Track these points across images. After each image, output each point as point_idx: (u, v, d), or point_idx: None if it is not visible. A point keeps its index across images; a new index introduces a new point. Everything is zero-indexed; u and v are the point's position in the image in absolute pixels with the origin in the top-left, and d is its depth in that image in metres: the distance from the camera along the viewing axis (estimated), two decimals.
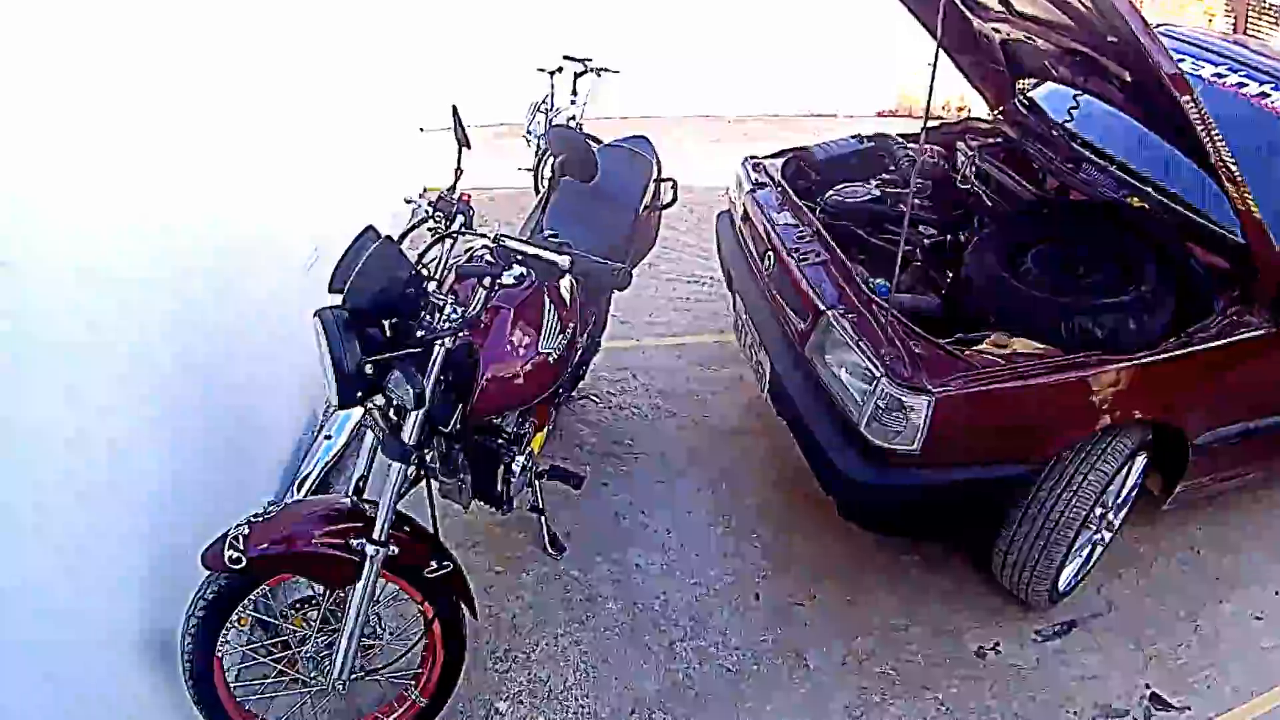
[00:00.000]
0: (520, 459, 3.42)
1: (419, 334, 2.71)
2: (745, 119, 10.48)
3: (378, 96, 6.58)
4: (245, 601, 2.80)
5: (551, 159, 2.95)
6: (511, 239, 2.82)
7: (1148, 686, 3.61)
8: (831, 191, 4.68)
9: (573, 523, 4.29)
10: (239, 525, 2.70)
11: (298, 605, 3.03)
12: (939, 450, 3.24)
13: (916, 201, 4.70)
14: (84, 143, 2.64)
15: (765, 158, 4.95)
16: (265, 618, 3.01)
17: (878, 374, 3.21)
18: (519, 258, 2.78)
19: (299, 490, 4.03)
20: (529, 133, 7.44)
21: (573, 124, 7.33)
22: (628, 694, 3.54)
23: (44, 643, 2.33)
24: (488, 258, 2.83)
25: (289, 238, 4.39)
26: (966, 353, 3.32)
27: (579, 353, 4.07)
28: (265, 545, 2.65)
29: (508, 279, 2.80)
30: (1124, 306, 3.41)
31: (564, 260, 2.74)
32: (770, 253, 4.11)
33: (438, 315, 2.75)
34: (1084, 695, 3.58)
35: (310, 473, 4.13)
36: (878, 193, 4.64)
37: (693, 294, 6.39)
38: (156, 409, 2.98)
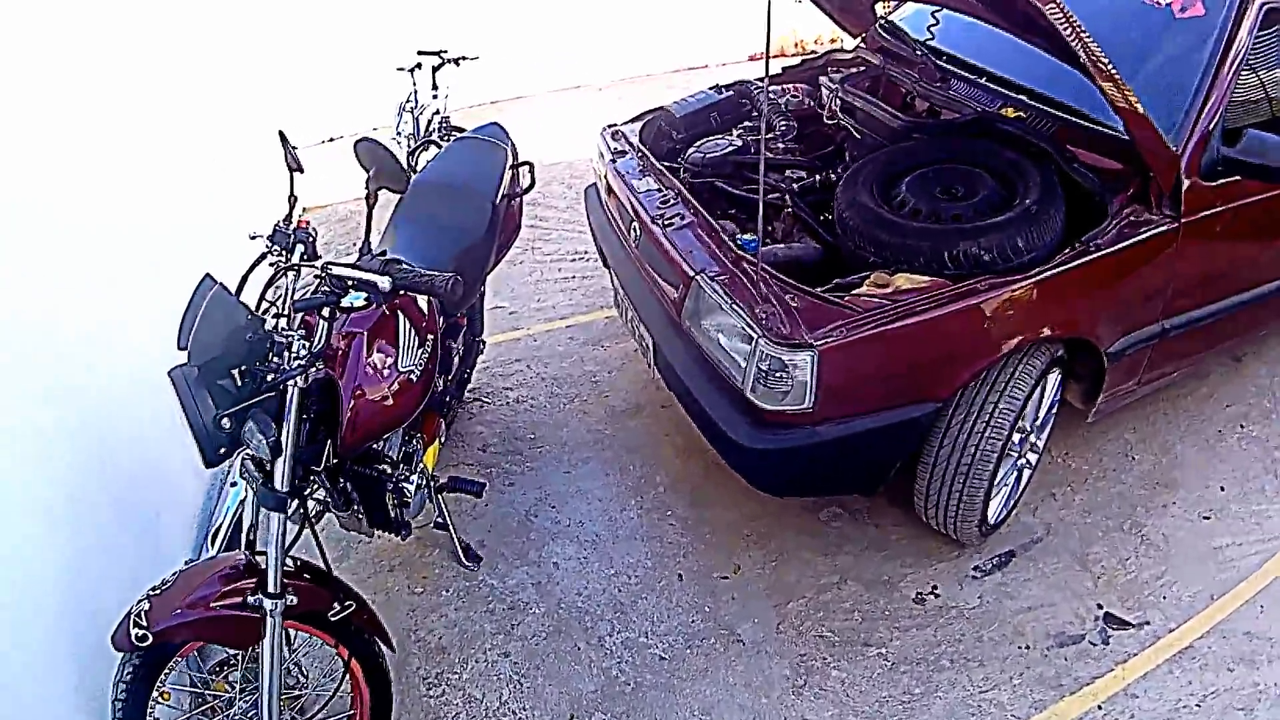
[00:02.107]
0: (414, 478, 3.33)
1: (269, 378, 2.59)
2: (617, 83, 10.30)
3: (232, 113, 6.36)
4: (163, 675, 2.70)
5: (365, 174, 2.80)
6: (337, 265, 2.71)
7: (1100, 607, 3.60)
8: (692, 148, 4.56)
9: (484, 529, 4.19)
10: (140, 601, 2.60)
11: (218, 668, 2.95)
12: (833, 404, 3.15)
13: (782, 146, 4.61)
14: None
15: (624, 124, 4.83)
16: (187, 688, 2.94)
17: (755, 335, 3.11)
18: (350, 283, 2.66)
19: (212, 543, 3.87)
20: (398, 134, 7.35)
21: (438, 118, 7.29)
22: (564, 699, 3.46)
23: None
24: (323, 287, 2.71)
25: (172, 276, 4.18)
26: (846, 298, 3.21)
27: (456, 357, 3.96)
28: (166, 618, 2.56)
29: (348, 303, 2.69)
30: (1009, 224, 3.31)
31: (384, 281, 2.62)
32: (635, 223, 4.00)
33: (287, 355, 2.63)
34: (1034, 626, 3.56)
35: (221, 523, 3.99)
36: (739, 143, 4.52)
37: (577, 271, 6.27)
38: (48, 490, 2.88)
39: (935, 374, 3.25)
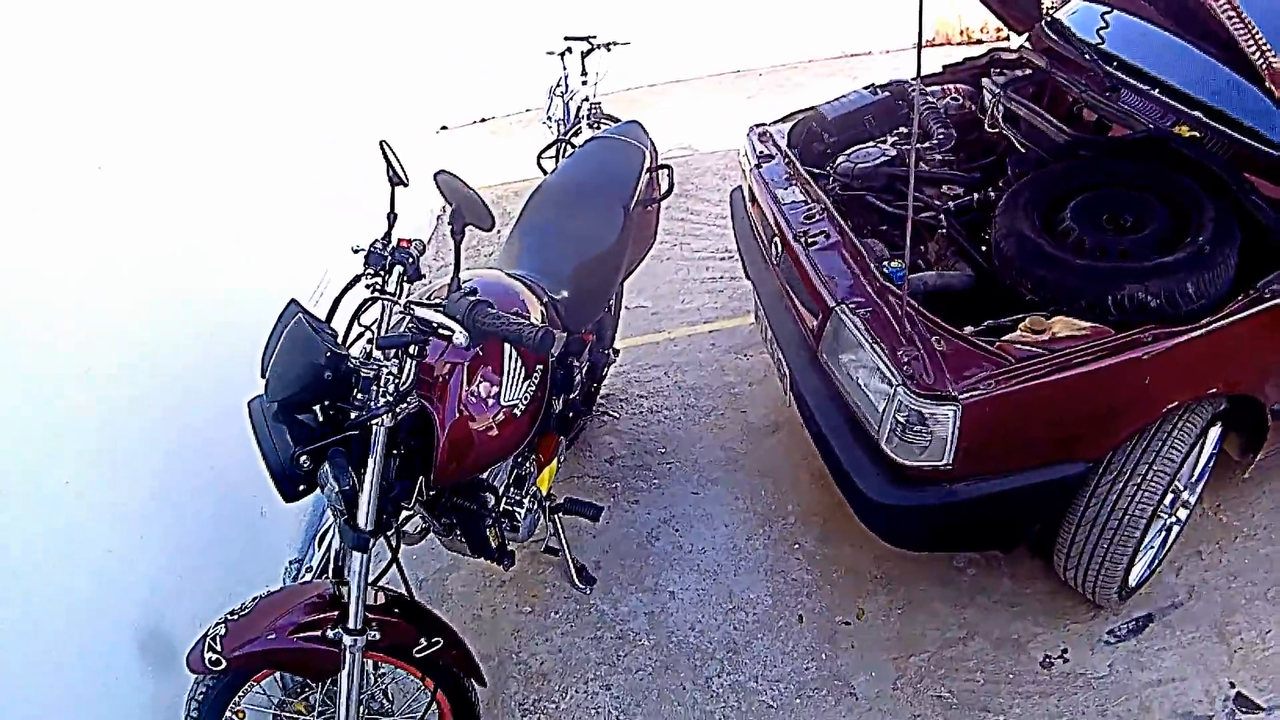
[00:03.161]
0: (525, 502, 3.22)
1: (353, 415, 2.46)
2: (778, 68, 9.92)
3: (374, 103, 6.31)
4: (237, 699, 2.66)
5: (447, 208, 2.61)
6: (420, 305, 2.54)
7: (1232, 685, 3.25)
8: (842, 156, 4.24)
9: (602, 549, 4.06)
10: (216, 624, 2.54)
11: (298, 689, 2.91)
12: (974, 462, 2.89)
13: (939, 157, 4.25)
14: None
15: (772, 123, 4.53)
16: (264, 708, 2.87)
17: (895, 382, 2.85)
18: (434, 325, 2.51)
19: (319, 545, 3.81)
20: (548, 118, 7.28)
21: (588, 104, 7.17)
22: None
23: None
24: (408, 322, 2.54)
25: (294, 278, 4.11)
26: (997, 344, 2.91)
27: (579, 374, 3.79)
28: (241, 645, 2.50)
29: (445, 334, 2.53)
30: (1179, 266, 2.95)
31: (461, 336, 2.45)
32: (777, 239, 3.75)
33: (375, 389, 2.48)
34: (1162, 703, 3.24)
35: (332, 538, 3.93)
36: (893, 152, 4.17)
37: (726, 271, 6.01)
38: (149, 482, 2.87)
39: (1088, 433, 2.95)
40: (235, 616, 2.56)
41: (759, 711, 3.37)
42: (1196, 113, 3.58)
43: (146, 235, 3.07)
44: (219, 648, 2.46)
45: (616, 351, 4.45)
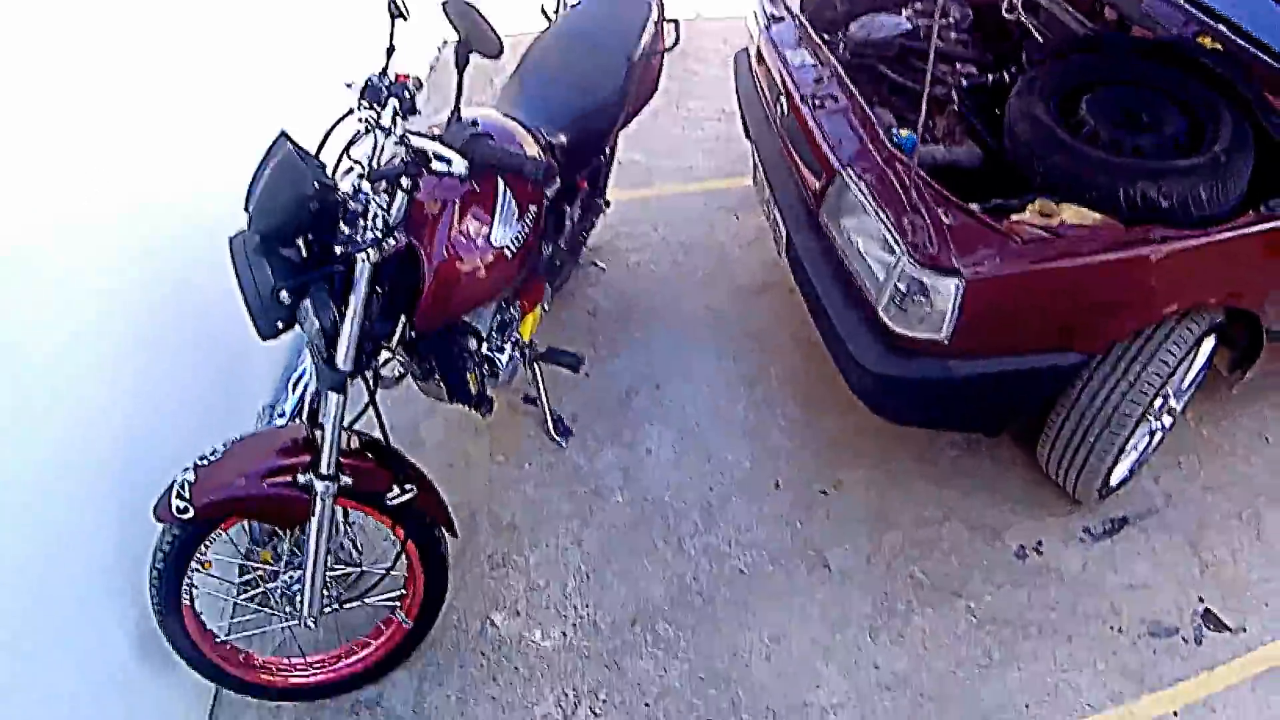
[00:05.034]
0: (506, 349, 3.15)
1: (337, 250, 2.36)
2: None
3: None
4: (203, 548, 2.59)
5: (457, 35, 2.48)
6: (417, 134, 2.43)
7: (1201, 600, 3.26)
8: (855, 24, 4.11)
9: (580, 402, 3.99)
10: (185, 471, 2.46)
11: (265, 538, 2.81)
12: (972, 339, 2.83)
13: (954, 35, 4.12)
14: None
15: None
16: (231, 557, 2.81)
17: (898, 250, 2.78)
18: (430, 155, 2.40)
19: (293, 390, 3.72)
20: None
21: None
22: (631, 600, 3.29)
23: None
24: (404, 155, 2.42)
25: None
26: (1005, 223, 2.83)
27: (569, 221, 3.69)
28: (210, 493, 2.43)
29: (439, 167, 2.42)
30: (1195, 171, 2.86)
31: (460, 165, 2.36)
32: (783, 99, 3.62)
33: (361, 223, 2.37)
34: (1131, 607, 3.24)
35: (308, 380, 3.84)
36: (909, 25, 4.05)
37: (722, 133, 5.82)
38: (120, 322, 2.71)
39: (1087, 325, 2.91)
40: (205, 462, 2.49)
41: (730, 576, 3.35)
42: (1222, 27, 3.46)
43: (132, 70, 2.90)
44: (187, 495, 2.40)
45: (608, 202, 4.31)
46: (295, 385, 3.51)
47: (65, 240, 2.43)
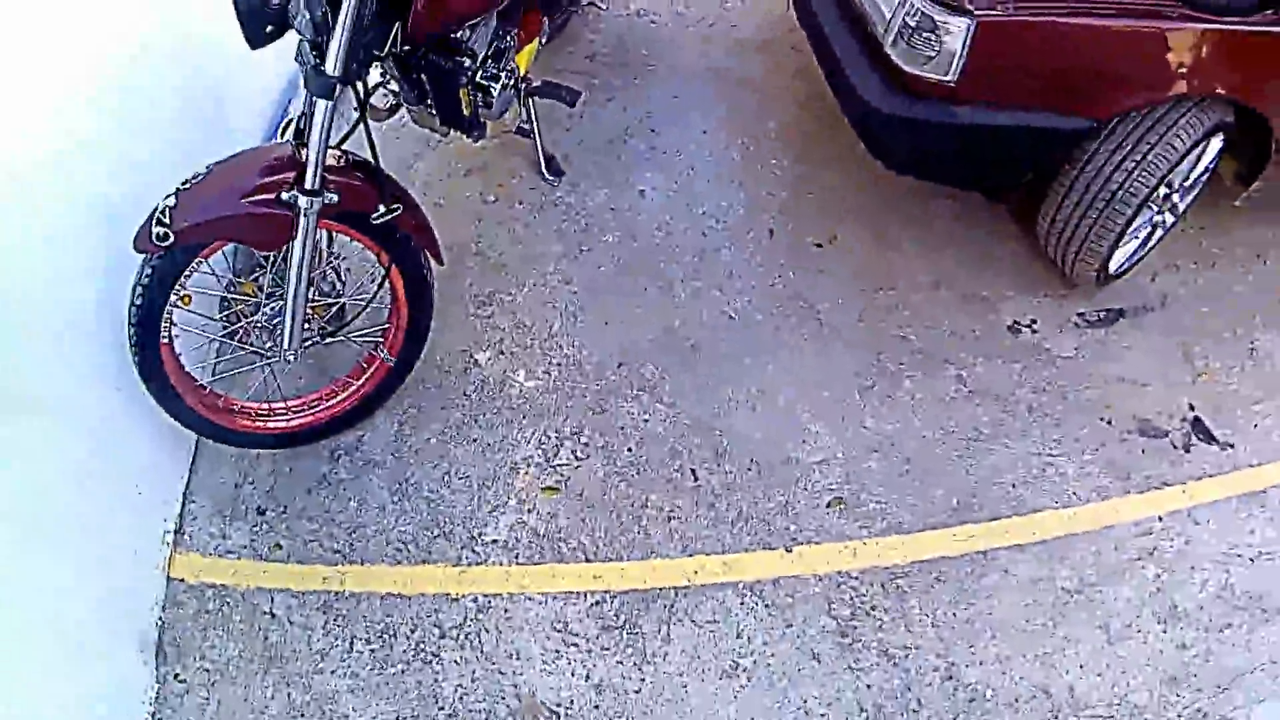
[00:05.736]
0: (501, 76, 3.01)
1: None
2: None
3: None
4: (184, 279, 2.51)
5: None
6: None
7: (1192, 408, 3.23)
8: None
9: (574, 143, 3.90)
10: (166, 196, 2.38)
11: (248, 270, 2.74)
12: (979, 85, 2.77)
13: None
14: None
15: None
16: (211, 290, 2.74)
17: None
18: None
19: (282, 134, 3.61)
20: None
21: None
22: (617, 343, 3.28)
23: None
24: None
25: None
26: None
27: None
28: (191, 215, 2.35)
29: None
30: None
31: None
32: None
33: None
34: (1122, 402, 3.23)
35: (300, 111, 3.73)
36: None
37: None
38: (94, 67, 2.56)
39: (1097, 89, 2.84)
40: (187, 186, 2.40)
41: (718, 323, 3.34)
42: None
43: None
44: (168, 220, 2.32)
45: None
46: (285, 130, 3.41)
47: None
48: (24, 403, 2.23)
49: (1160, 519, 2.96)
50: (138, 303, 2.45)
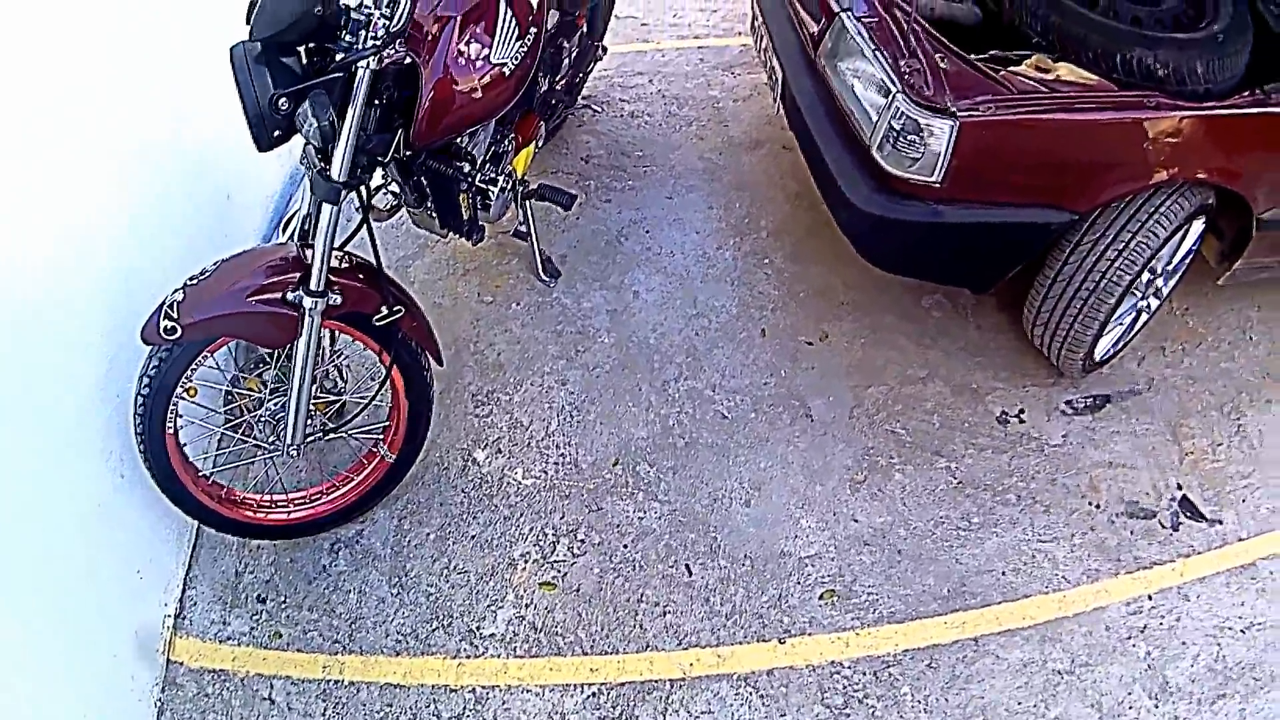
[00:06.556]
0: (499, 179, 3.11)
1: (339, 57, 2.34)
2: None
3: None
4: (189, 372, 2.57)
5: None
6: None
7: (1179, 488, 3.28)
8: None
9: (570, 245, 3.97)
10: (174, 291, 2.44)
11: (253, 365, 2.81)
12: (963, 185, 2.84)
13: None
14: None
15: None
16: (216, 384, 2.80)
17: (894, 89, 2.76)
18: None
19: (283, 231, 3.69)
20: None
21: None
22: (614, 441, 3.32)
23: None
24: None
25: None
26: (1002, 73, 2.84)
27: (567, 59, 3.63)
28: (198, 311, 2.41)
29: None
30: (1192, 45, 2.88)
31: None
32: None
33: (363, 34, 2.34)
34: (1110, 486, 3.27)
35: (299, 210, 3.80)
36: None
37: None
38: (107, 161, 2.66)
39: (1079, 182, 2.91)
40: (195, 281, 2.46)
41: (713, 420, 3.38)
42: None
43: None
44: (175, 315, 2.38)
45: (605, 48, 4.25)
46: (286, 226, 3.49)
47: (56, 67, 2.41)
48: (29, 485, 2.27)
49: (1150, 597, 2.99)
50: (144, 393, 2.50)
